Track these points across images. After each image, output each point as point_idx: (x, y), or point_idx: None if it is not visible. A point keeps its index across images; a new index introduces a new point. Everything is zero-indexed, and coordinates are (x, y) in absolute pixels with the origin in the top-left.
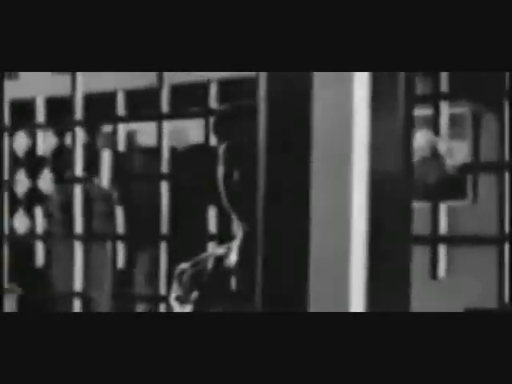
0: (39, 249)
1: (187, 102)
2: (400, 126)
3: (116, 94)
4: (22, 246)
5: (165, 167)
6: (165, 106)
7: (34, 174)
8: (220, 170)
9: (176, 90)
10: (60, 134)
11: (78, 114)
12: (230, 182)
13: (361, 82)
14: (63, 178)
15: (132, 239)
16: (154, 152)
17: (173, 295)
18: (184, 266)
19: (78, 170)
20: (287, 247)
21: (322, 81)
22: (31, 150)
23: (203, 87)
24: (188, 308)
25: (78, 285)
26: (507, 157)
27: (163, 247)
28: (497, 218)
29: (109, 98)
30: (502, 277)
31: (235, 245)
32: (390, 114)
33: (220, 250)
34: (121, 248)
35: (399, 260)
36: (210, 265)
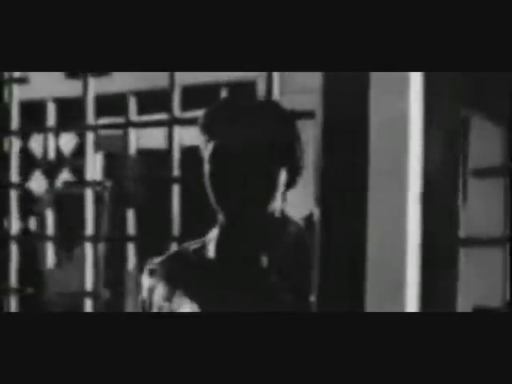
0: (49, 250)
1: (197, 105)
2: (450, 128)
3: (127, 97)
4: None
5: (176, 171)
6: (176, 109)
7: (25, 176)
8: (206, 169)
9: (186, 92)
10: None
11: (90, 117)
12: (216, 180)
13: (415, 82)
14: (54, 179)
15: (141, 240)
16: (150, 154)
17: (144, 290)
18: (156, 260)
19: (90, 173)
20: (344, 247)
21: (378, 81)
22: (24, 151)
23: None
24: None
25: (89, 284)
26: (501, 161)
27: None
28: (486, 219)
29: (119, 100)
30: (506, 277)
31: (212, 239)
32: (442, 115)
33: (194, 245)
34: (132, 249)
35: (450, 260)
36: (183, 259)
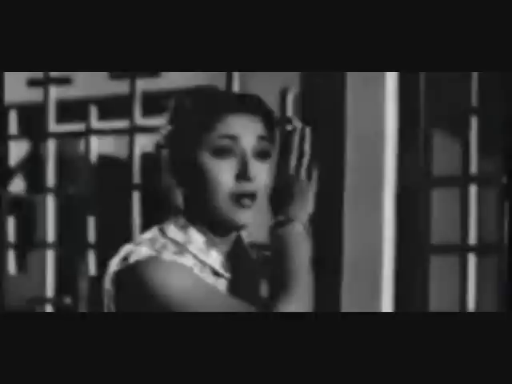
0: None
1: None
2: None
3: (88, 104)
4: None
5: (136, 178)
6: (138, 116)
7: None
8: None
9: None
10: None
11: (51, 123)
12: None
13: (392, 82)
14: (6, 186)
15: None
16: (108, 160)
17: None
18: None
19: (51, 179)
20: (322, 253)
21: (354, 81)
22: None
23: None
24: None
25: (49, 291)
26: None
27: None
28: (445, 227)
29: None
30: (465, 283)
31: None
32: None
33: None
34: (92, 256)
35: (421, 265)
36: None
